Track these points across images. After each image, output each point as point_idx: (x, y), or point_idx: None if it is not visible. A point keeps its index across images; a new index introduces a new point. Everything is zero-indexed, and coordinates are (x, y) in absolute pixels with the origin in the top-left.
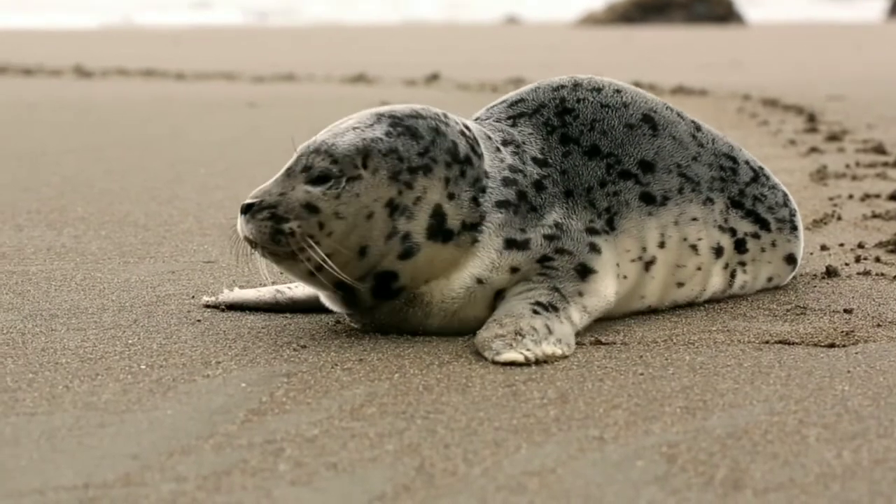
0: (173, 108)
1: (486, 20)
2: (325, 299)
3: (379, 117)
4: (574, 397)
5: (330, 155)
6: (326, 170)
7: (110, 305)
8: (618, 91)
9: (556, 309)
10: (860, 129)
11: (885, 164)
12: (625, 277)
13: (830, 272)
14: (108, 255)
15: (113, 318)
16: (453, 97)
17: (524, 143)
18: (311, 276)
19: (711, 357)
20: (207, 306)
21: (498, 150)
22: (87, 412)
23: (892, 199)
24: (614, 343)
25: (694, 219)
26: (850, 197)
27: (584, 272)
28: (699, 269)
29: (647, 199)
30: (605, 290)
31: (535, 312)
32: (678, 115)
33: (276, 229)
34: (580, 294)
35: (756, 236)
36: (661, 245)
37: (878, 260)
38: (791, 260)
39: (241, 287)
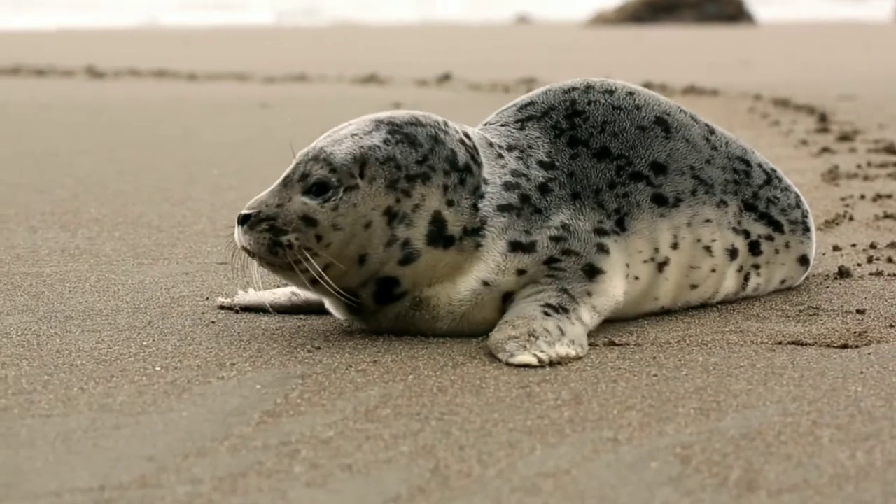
0: (185, 109)
1: (496, 20)
2: (330, 306)
3: (378, 124)
4: (588, 398)
5: (328, 163)
6: (324, 178)
7: (125, 307)
8: (630, 94)
9: (566, 310)
10: (872, 129)
11: None
12: (636, 278)
13: (843, 273)
14: (123, 257)
15: (127, 320)
16: (465, 97)
17: (530, 146)
18: (310, 285)
19: (725, 358)
20: (222, 308)
21: (500, 156)
22: (102, 414)
23: None
24: (628, 344)
25: (707, 220)
26: (862, 197)
27: (593, 272)
28: (713, 270)
29: (660, 200)
30: (614, 290)
31: (546, 314)
32: (692, 118)
33: (274, 241)
34: (589, 294)
35: (770, 238)
36: (675, 246)
37: (890, 260)
38: (804, 261)
39: (255, 289)
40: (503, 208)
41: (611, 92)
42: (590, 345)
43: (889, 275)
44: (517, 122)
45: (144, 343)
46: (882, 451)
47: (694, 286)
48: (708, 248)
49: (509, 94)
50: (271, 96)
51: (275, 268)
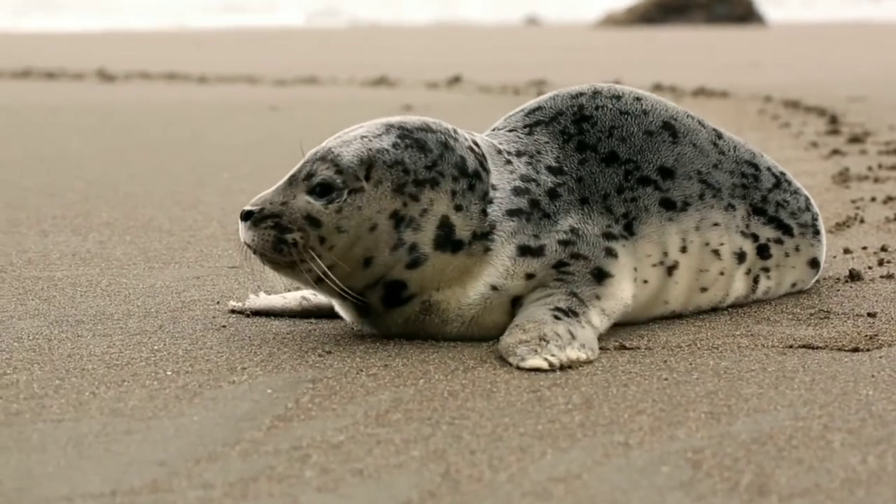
0: (195, 112)
1: (506, 21)
2: (339, 308)
3: (388, 128)
4: (599, 403)
5: (335, 164)
6: (329, 179)
7: (136, 311)
8: (638, 99)
9: (575, 313)
10: (882, 131)
11: None
12: (645, 282)
13: (854, 276)
14: (133, 261)
15: (139, 324)
16: (475, 100)
17: (539, 152)
18: (315, 283)
19: (735, 362)
20: (233, 312)
21: (508, 161)
22: (113, 419)
23: None
24: (638, 348)
25: (715, 224)
26: (873, 199)
27: (601, 276)
28: (722, 273)
29: (668, 204)
30: (622, 293)
31: (557, 318)
32: (699, 123)
33: (279, 238)
34: (598, 297)
35: (779, 242)
36: (683, 250)
37: None
38: (814, 264)
39: (265, 293)
40: (512, 213)
41: (618, 97)
42: (600, 349)
43: None
44: (525, 127)
45: (155, 347)
46: (894, 455)
47: (704, 289)
48: (716, 252)
49: (519, 96)
50: (281, 99)
51: (278, 266)
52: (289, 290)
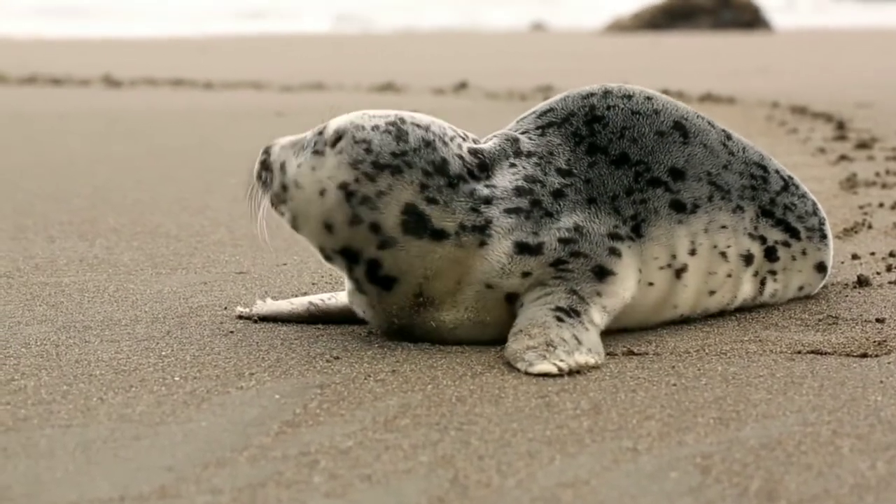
0: (202, 118)
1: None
2: (351, 299)
3: (393, 115)
4: (607, 408)
5: (321, 130)
6: (311, 139)
7: (143, 317)
8: (648, 98)
9: (577, 312)
10: (890, 137)
11: None
12: (651, 284)
13: (862, 281)
14: (141, 267)
15: (146, 330)
16: (482, 106)
17: (551, 153)
18: (291, 226)
19: (744, 367)
20: (240, 317)
21: (513, 164)
22: (121, 424)
23: None
24: (646, 354)
25: (723, 226)
26: (881, 205)
27: (603, 273)
28: (729, 275)
29: (678, 206)
30: (624, 292)
31: (559, 320)
32: (709, 123)
33: (260, 171)
34: (599, 294)
35: (786, 244)
36: (692, 252)
37: None
38: (821, 268)
39: (273, 298)
40: (511, 211)
41: (629, 97)
42: (608, 354)
43: None
44: (538, 128)
45: (163, 353)
46: None
47: (712, 292)
48: (723, 254)
49: (526, 102)
50: (287, 105)
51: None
52: (295, 296)
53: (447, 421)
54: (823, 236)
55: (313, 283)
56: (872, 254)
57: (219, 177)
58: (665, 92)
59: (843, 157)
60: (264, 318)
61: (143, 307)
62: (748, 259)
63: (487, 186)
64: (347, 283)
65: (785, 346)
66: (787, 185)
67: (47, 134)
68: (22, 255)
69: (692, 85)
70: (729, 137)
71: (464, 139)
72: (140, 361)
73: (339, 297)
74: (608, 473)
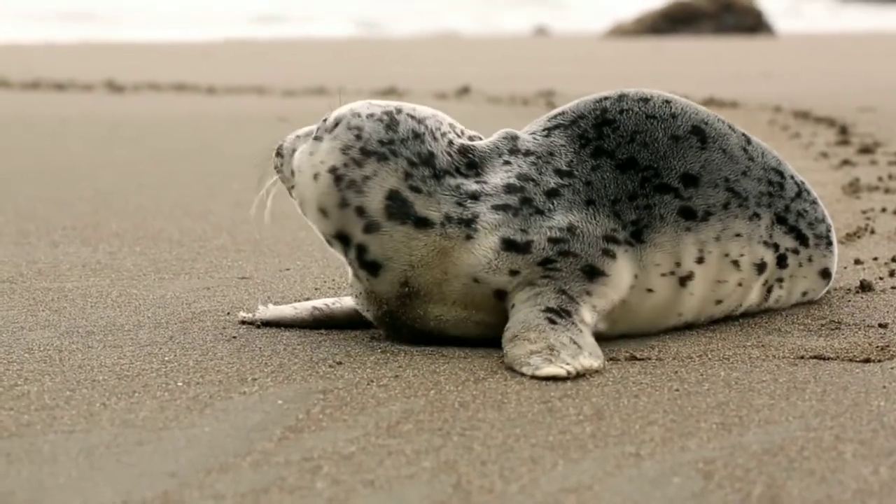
0: (205, 123)
1: (515, 31)
2: (350, 286)
3: (392, 105)
4: (610, 413)
5: (326, 118)
6: (317, 127)
7: (146, 322)
8: (667, 102)
9: (567, 313)
10: (892, 141)
11: None
12: (650, 290)
13: (865, 286)
14: (144, 272)
15: (149, 335)
16: (484, 111)
17: (552, 154)
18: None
19: (747, 373)
20: (243, 322)
21: (507, 162)
22: (124, 430)
23: None
24: (649, 359)
25: (738, 235)
26: (884, 210)
27: (593, 273)
28: (740, 284)
29: (687, 213)
30: (614, 294)
31: (552, 322)
32: (729, 127)
33: (275, 157)
34: (589, 293)
35: (796, 252)
36: (700, 261)
37: None
38: (826, 274)
39: (275, 303)
40: (499, 207)
41: (646, 100)
42: (611, 359)
43: None
44: (545, 130)
45: (166, 358)
46: None
47: (719, 301)
48: (736, 263)
49: (528, 107)
50: (290, 110)
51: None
52: (298, 301)
53: (450, 426)
54: (829, 243)
55: (316, 289)
56: (875, 259)
57: (222, 181)
58: None
59: (845, 162)
60: (267, 323)
61: (145, 312)
62: (761, 267)
63: (477, 182)
64: (349, 271)
65: (788, 351)
66: (801, 190)
67: (50, 139)
68: (25, 260)
69: (694, 90)
70: (749, 142)
71: (459, 136)
72: (143, 367)
73: (344, 301)
74: (611, 479)
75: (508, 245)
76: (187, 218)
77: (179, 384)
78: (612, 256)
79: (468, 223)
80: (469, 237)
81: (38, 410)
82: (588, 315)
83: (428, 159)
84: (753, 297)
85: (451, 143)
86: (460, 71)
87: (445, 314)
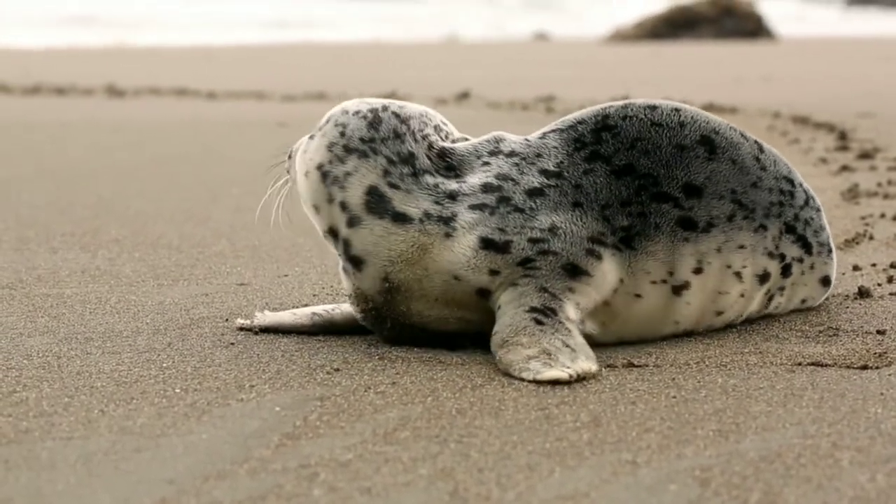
0: (205, 128)
1: (515, 36)
2: (342, 280)
3: (379, 104)
4: (607, 420)
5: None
6: (318, 125)
7: (145, 328)
8: (676, 110)
9: (552, 311)
10: (892, 147)
11: None
12: (638, 296)
13: (863, 293)
14: (143, 278)
15: (147, 342)
16: (484, 116)
17: (539, 155)
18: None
19: (744, 379)
20: (241, 329)
21: (486, 163)
22: (122, 436)
23: None
24: (646, 366)
25: (741, 246)
26: (883, 216)
27: (575, 272)
28: (742, 295)
29: (687, 224)
30: (596, 294)
31: (538, 322)
32: (742, 135)
33: (286, 162)
34: (571, 290)
35: (800, 260)
36: (698, 271)
37: None
38: (826, 282)
39: (272, 310)
40: (475, 207)
41: (653, 108)
42: (608, 366)
43: None
44: (542, 133)
45: (164, 365)
46: None
47: (720, 312)
48: (738, 274)
49: (527, 112)
50: (290, 115)
51: None
52: (296, 308)
53: (447, 433)
54: (830, 250)
55: (314, 295)
56: (874, 265)
57: (222, 186)
58: None
59: (844, 168)
60: (265, 330)
61: (144, 319)
62: (763, 278)
63: (457, 183)
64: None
65: (785, 357)
66: (808, 198)
67: (50, 144)
68: (24, 267)
69: (694, 94)
70: (761, 150)
71: (443, 138)
72: (141, 373)
73: (343, 307)
74: (607, 486)
75: (487, 244)
76: (187, 224)
77: (177, 391)
78: (598, 257)
79: (447, 221)
80: (448, 235)
81: (37, 417)
82: (572, 312)
83: (407, 158)
84: (754, 306)
85: (431, 146)
86: (460, 75)
87: (427, 311)
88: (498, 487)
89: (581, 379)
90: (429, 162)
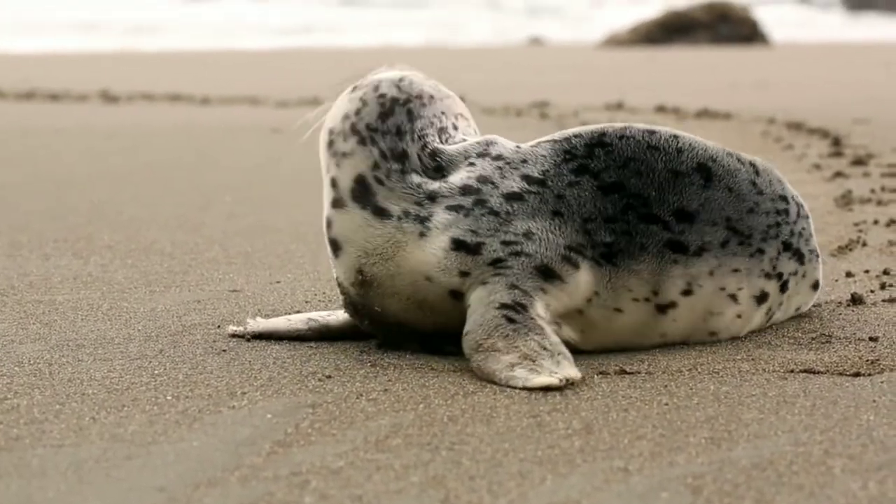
0: (199, 134)
1: (510, 41)
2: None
3: (404, 92)
4: (599, 428)
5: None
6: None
7: (136, 335)
8: (675, 136)
9: (523, 307)
10: (886, 153)
11: None
12: (618, 310)
13: (855, 299)
14: (135, 284)
15: (139, 348)
16: (478, 121)
17: (524, 161)
18: None
19: (736, 387)
20: (233, 336)
21: (472, 164)
22: (113, 444)
23: None
24: (639, 373)
25: (736, 270)
26: (876, 222)
27: (549, 275)
28: (739, 316)
29: (676, 247)
30: (567, 300)
31: (510, 320)
32: (738, 160)
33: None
34: (543, 291)
35: (795, 273)
36: (687, 293)
37: None
38: (816, 286)
39: (264, 316)
40: (451, 208)
41: (652, 132)
42: (601, 373)
43: None
44: (537, 142)
45: (156, 372)
46: (895, 481)
47: (713, 332)
48: (733, 297)
49: (521, 118)
50: (284, 121)
51: None
52: (289, 314)
53: (438, 441)
54: (818, 255)
55: (307, 301)
56: (867, 271)
57: (215, 192)
58: (661, 108)
59: (838, 174)
60: (258, 336)
61: (136, 325)
62: (762, 298)
63: (440, 183)
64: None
65: (778, 364)
66: (800, 209)
67: (44, 149)
68: (16, 273)
69: (689, 100)
70: (757, 173)
71: (437, 137)
72: (132, 380)
73: (339, 313)
74: (599, 494)
75: (458, 245)
76: (180, 230)
77: (169, 398)
78: (574, 265)
79: (423, 221)
80: (422, 234)
81: (28, 424)
82: (542, 310)
83: (400, 156)
84: (754, 324)
85: (424, 146)
86: (456, 80)
87: (403, 313)
88: (489, 495)
89: (568, 384)
90: (418, 162)
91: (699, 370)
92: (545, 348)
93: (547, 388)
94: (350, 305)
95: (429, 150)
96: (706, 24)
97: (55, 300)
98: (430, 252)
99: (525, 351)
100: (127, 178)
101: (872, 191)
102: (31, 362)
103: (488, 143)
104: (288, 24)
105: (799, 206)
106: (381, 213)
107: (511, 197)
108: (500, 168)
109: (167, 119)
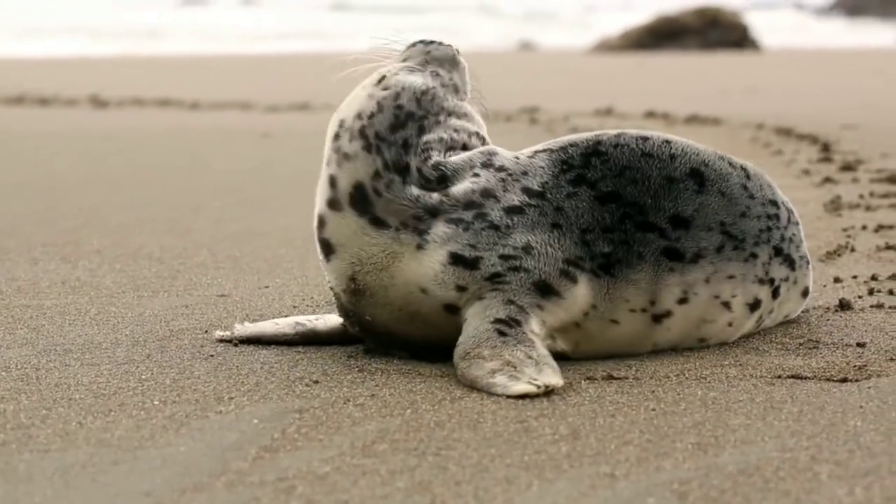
0: (189, 138)
1: (500, 46)
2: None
3: (423, 109)
4: (585, 433)
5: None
6: (419, 61)
7: (124, 340)
8: (667, 142)
9: (517, 322)
10: (874, 159)
11: None
12: (615, 322)
13: (843, 305)
14: (123, 289)
15: (126, 353)
16: None
17: (525, 173)
18: None
19: (723, 392)
20: (221, 341)
21: (476, 175)
22: (100, 449)
23: None
24: (626, 378)
25: (731, 277)
26: (864, 228)
27: (546, 291)
28: (730, 324)
29: (672, 254)
30: (565, 315)
31: (501, 333)
32: (729, 164)
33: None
34: (539, 308)
35: (786, 279)
36: (683, 301)
37: (891, 293)
38: (805, 293)
39: (252, 321)
40: (452, 221)
41: (645, 139)
42: (588, 378)
43: (890, 307)
44: (534, 152)
45: (143, 377)
46: (881, 487)
47: (702, 339)
48: (727, 304)
49: (510, 123)
50: (273, 126)
51: None
52: (277, 319)
53: (425, 446)
54: (808, 261)
55: (294, 307)
56: (855, 277)
57: (205, 197)
58: (651, 113)
59: (827, 180)
60: (246, 341)
61: (123, 330)
62: (754, 305)
63: (440, 196)
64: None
65: (765, 370)
66: (790, 214)
67: (33, 154)
68: (5, 278)
69: (678, 106)
70: (748, 177)
71: (443, 153)
72: (120, 385)
73: (327, 318)
74: (586, 499)
75: (456, 259)
76: (168, 235)
77: (156, 403)
78: (573, 280)
79: (421, 233)
80: (420, 247)
81: (14, 429)
82: (537, 327)
83: (403, 170)
84: (745, 331)
85: (426, 159)
86: None
87: (395, 324)
88: (476, 500)
89: (549, 392)
90: (418, 175)
91: (686, 376)
92: (530, 357)
93: (525, 396)
94: (341, 309)
95: (431, 163)
96: (696, 30)
97: (43, 305)
98: (427, 265)
99: (508, 358)
100: (115, 183)
101: (861, 196)
102: (19, 367)
103: (490, 154)
104: (280, 29)
105: (789, 211)
106: (378, 223)
107: (512, 210)
108: (503, 180)
109: (157, 124)
